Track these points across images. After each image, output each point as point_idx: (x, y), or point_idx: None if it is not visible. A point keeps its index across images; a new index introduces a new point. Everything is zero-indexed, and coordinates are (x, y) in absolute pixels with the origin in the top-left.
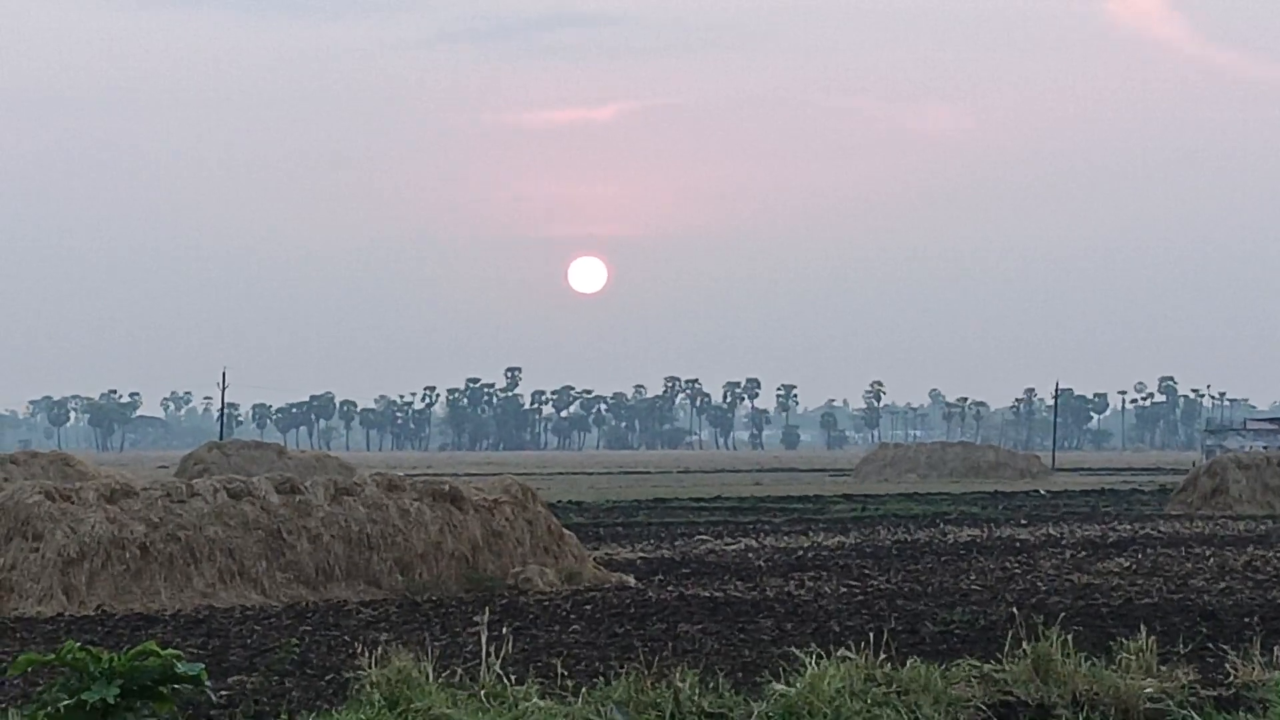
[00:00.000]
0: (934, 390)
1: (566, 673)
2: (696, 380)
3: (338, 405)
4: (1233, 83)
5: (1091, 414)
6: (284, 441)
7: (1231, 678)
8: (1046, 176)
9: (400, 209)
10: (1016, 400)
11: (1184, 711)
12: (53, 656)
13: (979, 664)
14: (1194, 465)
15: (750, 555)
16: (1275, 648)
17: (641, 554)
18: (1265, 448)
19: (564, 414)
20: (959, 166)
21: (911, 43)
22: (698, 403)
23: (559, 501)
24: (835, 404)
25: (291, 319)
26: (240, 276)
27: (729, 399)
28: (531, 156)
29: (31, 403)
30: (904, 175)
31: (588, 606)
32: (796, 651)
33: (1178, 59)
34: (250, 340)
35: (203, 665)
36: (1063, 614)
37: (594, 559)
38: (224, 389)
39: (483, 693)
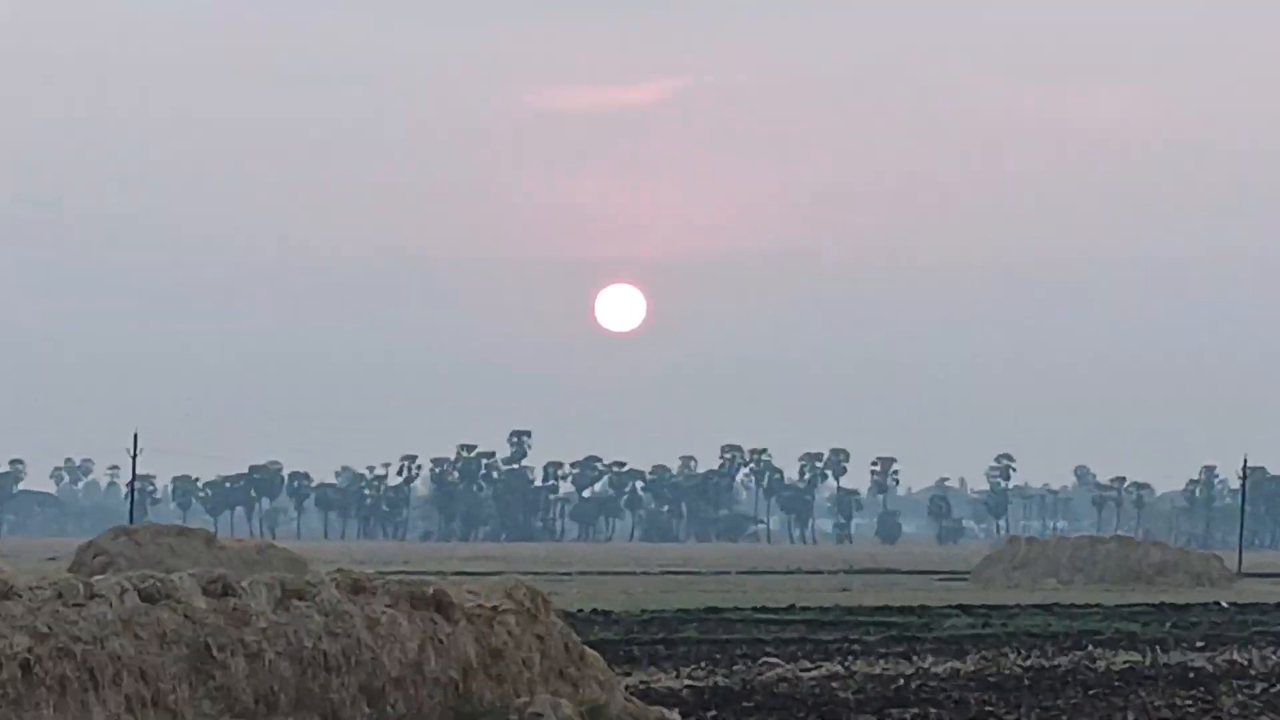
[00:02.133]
0: (1080, 468)
1: None
2: (764, 451)
3: (286, 479)
4: None
5: None
6: (214, 527)
7: None
8: (1242, 181)
9: (373, 219)
10: (1191, 482)
11: None
12: None
13: None
14: None
15: (834, 685)
16: None
17: (689, 681)
18: None
19: (587, 494)
20: (1125, 168)
21: (1053, 9)
22: (765, 481)
23: (580, 610)
24: (949, 484)
25: (225, 366)
26: (159, 310)
27: (807, 476)
28: (548, 152)
29: None
30: (1049, 179)
31: None
32: None
33: None
34: (171, 395)
35: None
36: None
37: (626, 688)
38: (135, 457)
39: None
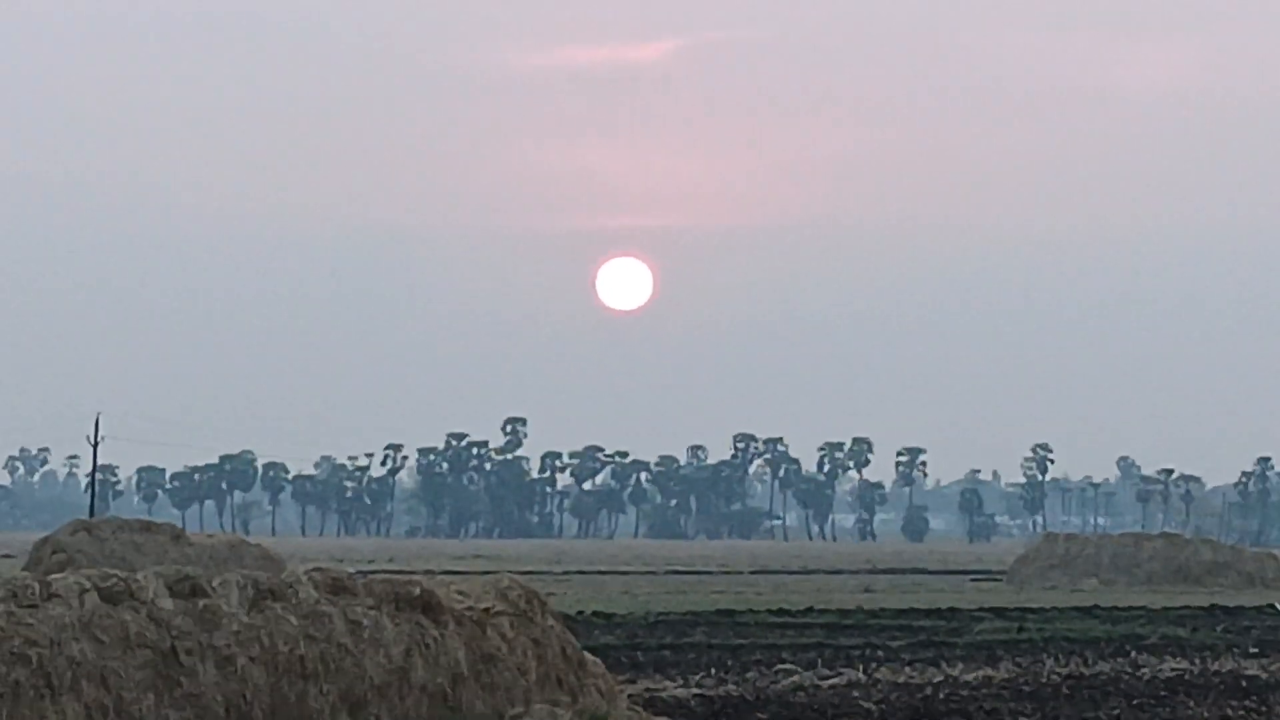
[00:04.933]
0: (1124, 459)
1: None
2: (779, 440)
3: (260, 470)
4: None
5: None
6: (182, 522)
7: None
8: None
9: (355, 188)
10: (1244, 475)
11: None
12: None
13: None
14: None
15: (856, 694)
16: None
17: (698, 690)
18: None
19: (587, 486)
20: (1171, 135)
21: None
22: (781, 472)
23: (580, 613)
24: (980, 477)
25: (194, 347)
26: (122, 286)
27: (827, 468)
28: (545, 114)
29: None
30: (1090, 146)
31: None
32: None
33: None
34: (135, 377)
35: None
36: None
37: (629, 697)
38: (96, 446)
39: None
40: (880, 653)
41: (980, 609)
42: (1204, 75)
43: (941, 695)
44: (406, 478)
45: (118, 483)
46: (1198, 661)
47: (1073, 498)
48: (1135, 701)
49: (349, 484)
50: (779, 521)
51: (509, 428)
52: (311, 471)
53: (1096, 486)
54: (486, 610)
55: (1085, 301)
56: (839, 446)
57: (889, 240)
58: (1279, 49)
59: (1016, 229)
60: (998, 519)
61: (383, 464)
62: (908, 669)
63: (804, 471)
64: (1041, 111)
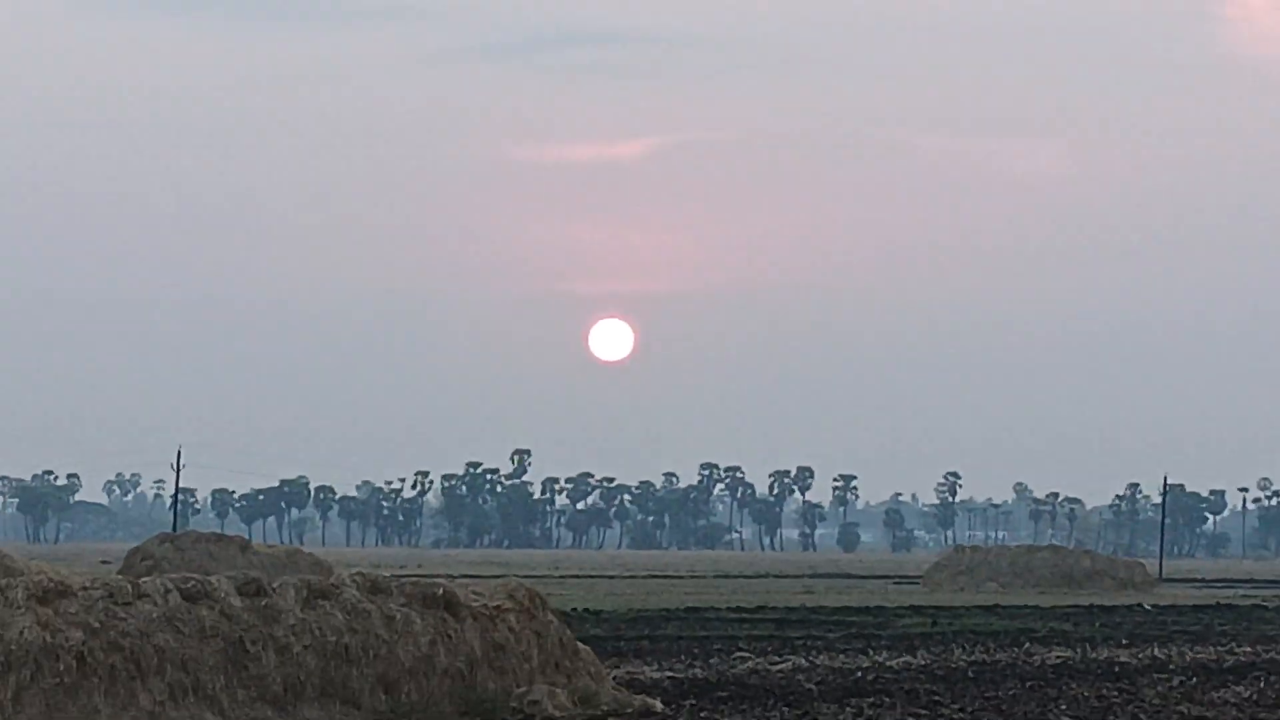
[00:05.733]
0: (1019, 484)
1: None
2: (738, 468)
3: (313, 492)
4: None
5: (1207, 515)
6: (249, 534)
7: None
8: (1157, 228)
9: (389, 259)
10: (1117, 498)
11: None
12: None
13: None
14: None
15: (799, 677)
16: None
17: (670, 673)
18: None
19: (580, 506)
20: (1054, 215)
21: (998, 68)
22: (739, 495)
23: (573, 610)
24: (902, 499)
25: (259, 389)
26: (200, 339)
27: (776, 491)
28: (545, 199)
29: None
30: (988, 225)
31: None
32: None
33: None
34: (211, 415)
35: None
36: None
37: (614, 678)
38: (179, 471)
39: None
40: (819, 642)
41: (901, 607)
42: (1076, 167)
43: (869, 678)
44: (432, 499)
45: (195, 502)
46: (1079, 651)
47: (977, 516)
48: (1028, 684)
49: (385, 504)
50: (737, 535)
51: (516, 458)
52: (354, 493)
53: (997, 507)
54: (497, 607)
55: (986, 360)
56: (786, 473)
57: (826, 303)
58: (1130, 147)
59: (927, 294)
60: (916, 533)
61: (413, 487)
62: (841, 656)
63: (757, 494)
64: (943, 196)
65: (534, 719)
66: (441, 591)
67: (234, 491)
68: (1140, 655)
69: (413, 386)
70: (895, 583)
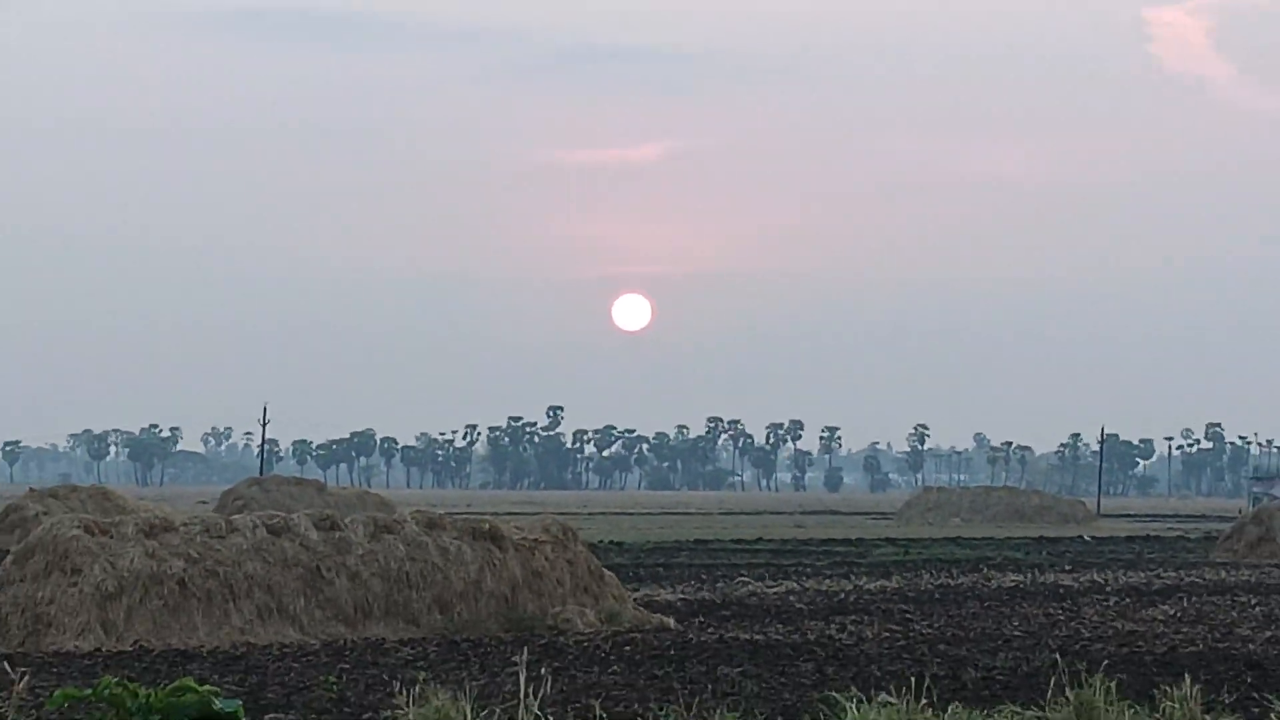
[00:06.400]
0: (979, 434)
1: (605, 715)
2: (739, 421)
3: (378, 442)
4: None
5: (1137, 460)
6: (324, 478)
7: None
8: (1094, 218)
9: (442, 246)
10: (1061, 446)
11: None
12: (90, 692)
13: (1021, 710)
14: (1240, 513)
15: (791, 598)
16: None
17: (682, 595)
18: None
19: (606, 453)
20: (1007, 208)
21: (961, 83)
22: (740, 444)
23: (600, 542)
24: (879, 447)
25: (333, 355)
26: (283, 311)
27: (772, 441)
28: (575, 196)
29: (71, 436)
30: (951, 217)
31: (627, 648)
32: (837, 696)
33: (1223, 99)
34: (292, 376)
35: (240, 702)
36: (1106, 661)
37: (634, 600)
38: (265, 425)
39: None
40: (808, 569)
41: (878, 539)
42: (1024, 168)
43: (851, 599)
44: (480, 448)
45: (279, 451)
46: (1029, 575)
47: (943, 461)
48: (986, 603)
49: (439, 452)
50: (738, 478)
51: (551, 412)
52: (414, 443)
53: (959, 453)
54: (535, 540)
55: (951, 329)
56: (780, 425)
57: (815, 284)
58: (1081, 148)
59: (900, 276)
60: (891, 476)
61: (464, 438)
62: (827, 580)
63: (756, 443)
64: (914, 192)
65: (566, 635)
66: (488, 526)
67: (312, 442)
68: (1081, 579)
69: (464, 353)
70: (873, 518)
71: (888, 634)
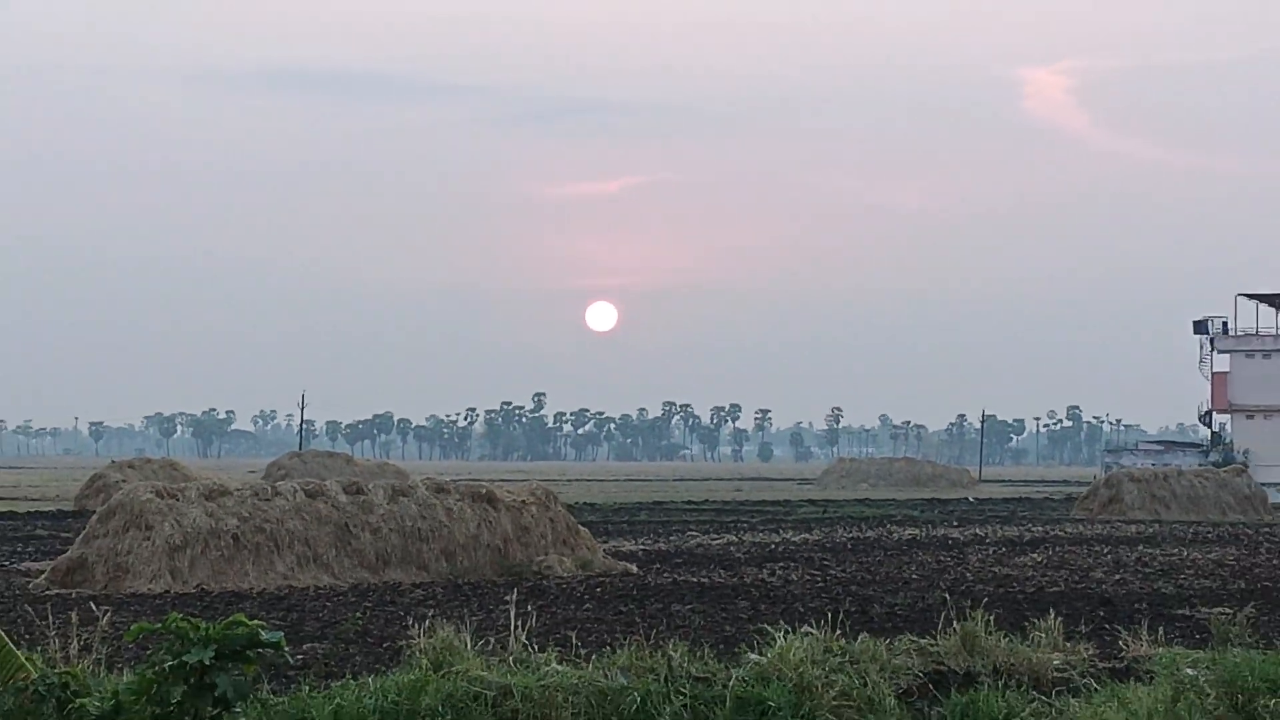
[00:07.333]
0: (883, 415)
1: (580, 643)
2: (689, 405)
3: (395, 423)
4: (1129, 163)
5: (1012, 436)
6: (351, 452)
7: (1124, 653)
8: (978, 240)
9: (447, 263)
10: (950, 424)
11: (1085, 680)
12: (160, 626)
13: (917, 639)
14: (1095, 479)
15: (731, 549)
16: (1160, 628)
17: (642, 546)
18: (1153, 465)
19: (581, 431)
20: (909, 234)
21: (872, 131)
22: (690, 423)
23: (576, 503)
24: (803, 425)
25: (359, 351)
26: (318, 316)
27: (715, 421)
28: (556, 221)
29: (145, 418)
30: (863, 239)
31: (598, 589)
32: (768, 627)
33: (1079, 143)
34: (326, 369)
35: (282, 634)
36: (986, 599)
37: (604, 550)
38: (303, 408)
39: (511, 659)
40: (745, 525)
41: (801, 500)
42: (923, 201)
43: (781, 550)
44: (478, 427)
45: (314, 430)
46: (924, 530)
47: (854, 437)
48: (889, 552)
49: (445, 430)
50: (688, 451)
51: (536, 398)
52: (424, 423)
53: (868, 430)
54: (523, 501)
55: (859, 329)
56: (722, 408)
57: (750, 294)
58: (968, 184)
59: (818, 288)
60: (813, 449)
61: (465, 419)
62: (760, 534)
63: (703, 423)
64: (831, 220)
65: (548, 579)
66: (485, 491)
67: (341, 422)
68: (966, 533)
69: (466, 349)
70: (798, 484)
71: (809, 577)
